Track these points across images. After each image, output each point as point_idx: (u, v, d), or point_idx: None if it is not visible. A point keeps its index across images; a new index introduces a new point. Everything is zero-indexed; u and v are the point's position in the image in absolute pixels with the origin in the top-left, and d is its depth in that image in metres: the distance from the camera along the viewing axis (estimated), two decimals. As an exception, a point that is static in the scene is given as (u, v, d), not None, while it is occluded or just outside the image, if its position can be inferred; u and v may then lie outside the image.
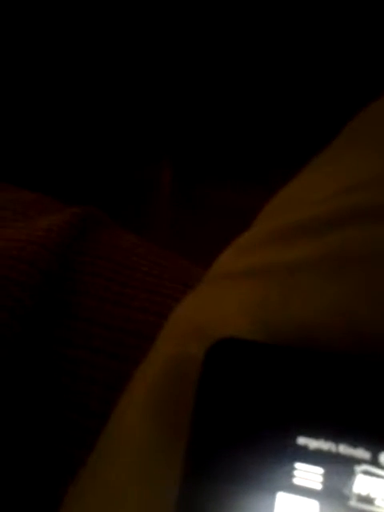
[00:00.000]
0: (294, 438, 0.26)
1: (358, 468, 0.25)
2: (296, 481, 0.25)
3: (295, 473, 0.25)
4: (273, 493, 0.25)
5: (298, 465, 0.25)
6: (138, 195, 1.04)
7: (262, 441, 0.26)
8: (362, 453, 0.25)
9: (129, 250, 0.52)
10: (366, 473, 0.25)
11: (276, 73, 1.09)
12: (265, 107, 1.10)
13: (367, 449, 0.25)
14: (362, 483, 0.25)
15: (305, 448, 0.25)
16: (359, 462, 0.25)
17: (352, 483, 0.25)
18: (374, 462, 0.25)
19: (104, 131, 1.07)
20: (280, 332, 0.30)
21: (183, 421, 0.28)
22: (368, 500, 0.25)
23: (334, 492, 0.25)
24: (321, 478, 0.25)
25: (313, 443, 0.25)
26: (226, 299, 0.33)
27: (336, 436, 0.25)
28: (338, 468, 0.25)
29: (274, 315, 0.30)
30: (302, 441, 0.26)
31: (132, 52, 1.08)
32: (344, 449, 0.25)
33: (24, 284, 0.46)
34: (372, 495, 0.25)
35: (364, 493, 0.25)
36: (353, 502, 0.25)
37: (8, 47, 1.05)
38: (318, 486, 0.25)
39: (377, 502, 0.25)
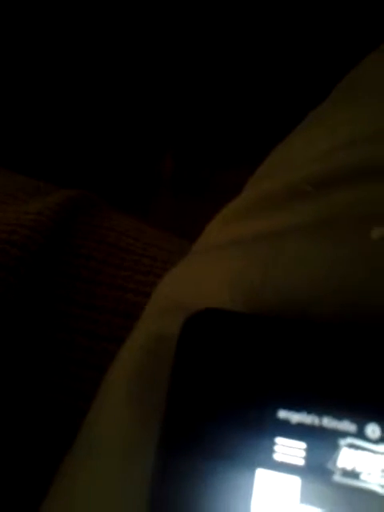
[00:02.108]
0: (275, 412, 0.24)
1: (343, 441, 0.23)
2: (277, 456, 0.24)
3: (276, 448, 0.24)
4: (252, 469, 0.24)
5: (278, 440, 0.24)
6: (142, 183, 1.03)
7: (240, 415, 0.24)
8: (347, 425, 0.24)
9: (123, 232, 0.51)
10: (351, 446, 0.23)
11: (273, 61, 1.08)
12: (263, 95, 1.09)
13: (353, 421, 0.24)
14: (347, 457, 0.23)
15: (286, 422, 0.24)
16: (344, 435, 0.24)
17: (336, 457, 0.23)
18: (360, 434, 0.23)
19: (110, 123, 1.06)
20: (262, 302, 0.28)
21: (163, 398, 0.27)
22: (353, 474, 0.23)
23: (318, 467, 0.23)
24: (303, 453, 0.24)
25: (294, 417, 0.24)
26: (207, 272, 0.32)
27: (319, 408, 0.24)
28: (322, 442, 0.24)
29: (256, 285, 0.29)
30: (282, 414, 0.24)
31: (137, 47, 1.08)
32: (328, 422, 0.24)
33: (15, 269, 0.45)
34: (357, 469, 0.23)
35: (349, 467, 0.23)
36: (337, 477, 0.23)
37: (9, 39, 1.04)
38: (300, 462, 0.23)
39: (362, 477, 0.23)
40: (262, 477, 0.23)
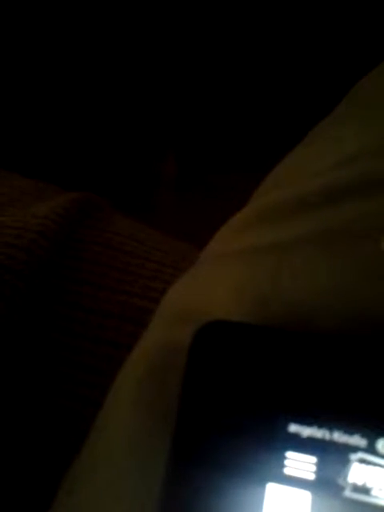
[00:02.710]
0: (286, 426, 0.24)
1: (354, 456, 0.23)
2: (287, 471, 0.24)
3: (286, 462, 0.24)
4: (263, 483, 0.24)
5: (289, 454, 0.24)
6: (144, 184, 1.03)
7: (251, 429, 0.24)
8: (357, 440, 0.24)
9: (128, 236, 0.51)
10: (362, 461, 0.23)
11: (275, 64, 1.08)
12: (265, 97, 1.09)
13: (363, 435, 0.24)
14: (358, 472, 0.23)
15: (297, 436, 0.24)
16: (355, 449, 0.24)
17: (347, 472, 0.23)
18: (371, 449, 0.23)
19: (112, 125, 1.06)
20: (270, 313, 0.28)
21: (172, 409, 0.27)
22: (364, 490, 0.23)
23: (328, 482, 0.23)
24: (314, 468, 0.24)
25: (305, 431, 0.24)
26: (216, 281, 0.32)
27: (330, 423, 0.24)
28: (332, 456, 0.24)
29: (264, 296, 0.29)
30: (293, 428, 0.24)
31: (140, 48, 1.08)
32: (338, 436, 0.24)
33: (21, 272, 0.45)
34: (368, 485, 0.23)
35: (360, 482, 0.23)
36: (348, 492, 0.23)
37: (11, 36, 1.04)
38: (311, 476, 0.23)
39: (373, 492, 0.23)
40: (273, 491, 0.23)
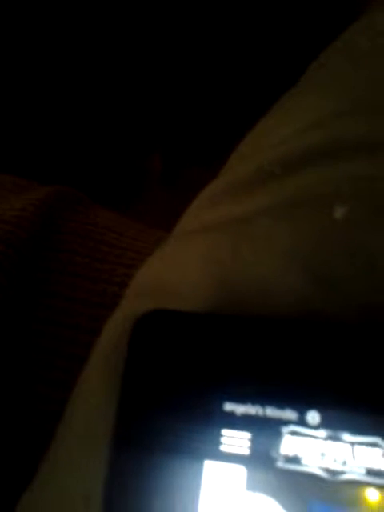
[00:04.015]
0: (221, 405, 0.25)
1: (285, 429, 0.25)
2: (223, 448, 0.25)
3: (222, 440, 0.25)
4: (200, 461, 0.25)
5: (225, 431, 0.25)
6: (129, 180, 1.03)
7: (188, 409, 0.25)
8: (289, 413, 0.25)
9: (107, 228, 0.52)
10: (293, 433, 0.25)
11: (264, 63, 1.08)
12: (250, 94, 1.09)
13: (294, 409, 0.25)
14: (289, 444, 0.24)
15: (231, 414, 0.25)
16: (286, 423, 0.25)
17: (279, 445, 0.24)
18: (301, 421, 0.25)
19: (97, 121, 1.07)
20: (234, 282, 0.29)
21: None
22: (295, 460, 0.24)
23: (262, 456, 0.24)
24: (248, 443, 0.25)
25: (239, 408, 0.25)
26: (181, 256, 0.33)
27: (263, 399, 0.25)
28: (266, 431, 0.25)
29: (226, 267, 0.30)
30: (228, 407, 0.25)
31: (127, 46, 1.08)
32: (271, 411, 0.25)
33: None
34: (299, 455, 0.24)
35: (291, 453, 0.24)
36: (280, 463, 0.24)
37: (7, 37, 1.05)
38: (246, 451, 0.25)
39: (304, 461, 0.24)
40: (210, 468, 0.25)
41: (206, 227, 0.34)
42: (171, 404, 0.26)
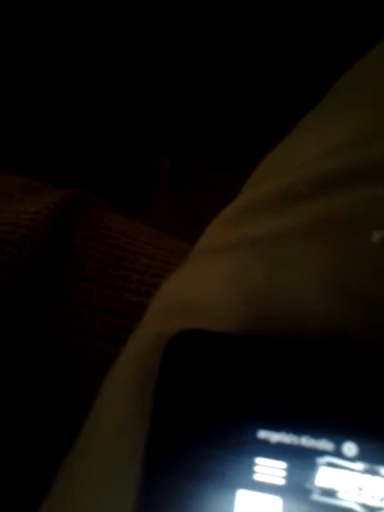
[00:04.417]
0: (255, 432, 0.25)
1: (321, 460, 0.24)
2: (257, 477, 0.24)
3: (256, 468, 0.24)
4: (233, 490, 0.24)
5: (259, 460, 0.24)
6: (139, 182, 1.03)
7: (221, 436, 0.25)
8: (324, 444, 0.24)
9: (121, 232, 0.51)
10: (329, 465, 0.24)
11: (271, 63, 1.07)
12: (262, 96, 1.08)
13: (330, 439, 0.24)
14: (325, 476, 0.24)
15: (266, 442, 0.25)
16: (322, 453, 0.24)
17: (315, 476, 0.24)
18: (337, 452, 0.24)
19: (107, 122, 1.06)
20: (264, 305, 0.29)
21: None
22: (331, 493, 0.24)
23: (297, 487, 0.24)
24: (283, 473, 0.24)
25: (274, 436, 0.25)
26: (210, 274, 0.32)
27: (298, 428, 0.24)
28: (301, 461, 0.24)
29: (258, 288, 0.29)
30: (262, 434, 0.25)
31: (135, 46, 1.07)
32: (306, 441, 0.24)
33: (13, 268, 0.46)
34: (335, 488, 0.24)
35: (327, 486, 0.24)
36: (315, 496, 0.24)
37: (9, 35, 1.04)
38: (281, 482, 0.24)
39: (340, 495, 0.24)
40: (243, 497, 0.24)
41: (231, 246, 0.34)
42: (204, 430, 0.25)
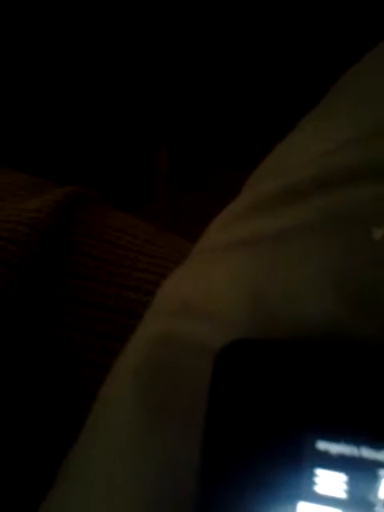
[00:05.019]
0: (314, 443, 0.24)
1: (383, 472, 0.24)
2: (318, 489, 0.24)
3: (317, 480, 0.24)
4: (294, 502, 0.24)
5: (319, 471, 0.24)
6: (138, 178, 1.02)
7: (279, 447, 0.24)
8: (385, 455, 0.24)
9: (121, 230, 0.51)
10: (392, 477, 0.24)
11: (270, 57, 1.07)
12: (261, 91, 1.08)
13: (391, 451, 0.24)
14: (388, 488, 0.23)
15: (325, 453, 0.24)
16: (383, 465, 0.24)
17: (377, 489, 0.23)
18: (400, 464, 0.24)
19: (105, 119, 1.05)
20: (268, 302, 0.29)
21: (170, 400, 0.28)
22: (395, 506, 0.23)
23: (359, 500, 0.23)
24: (344, 486, 0.24)
25: (334, 447, 0.24)
26: (212, 273, 0.32)
27: (357, 438, 0.24)
28: (362, 473, 0.24)
29: (263, 286, 0.29)
30: (322, 445, 0.24)
31: (133, 42, 1.06)
32: (367, 452, 0.24)
33: (14, 266, 0.45)
34: (399, 501, 0.23)
35: (391, 499, 0.23)
36: (379, 509, 0.23)
37: (9, 33, 1.02)
38: (342, 494, 0.24)
39: (404, 508, 0.23)
40: (304, 510, 0.24)
41: (234, 244, 0.34)
42: (261, 441, 0.24)
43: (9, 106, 1.01)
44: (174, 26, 1.05)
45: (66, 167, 0.96)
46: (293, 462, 0.24)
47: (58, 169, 0.87)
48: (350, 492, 0.24)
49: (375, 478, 0.24)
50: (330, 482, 0.24)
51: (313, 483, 0.24)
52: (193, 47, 1.05)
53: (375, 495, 0.23)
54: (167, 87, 1.06)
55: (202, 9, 1.04)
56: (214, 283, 0.32)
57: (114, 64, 1.05)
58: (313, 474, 0.24)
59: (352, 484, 0.24)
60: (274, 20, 1.05)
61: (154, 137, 1.05)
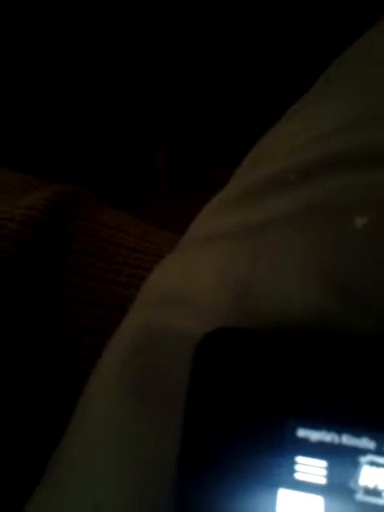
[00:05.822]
0: (294, 430, 0.24)
1: (363, 459, 0.24)
2: (298, 476, 0.24)
3: (297, 467, 0.24)
4: (274, 489, 0.24)
5: (299, 458, 0.24)
6: (135, 176, 1.02)
7: (259, 434, 0.24)
8: (366, 442, 0.24)
9: (114, 227, 0.51)
10: (372, 463, 0.24)
11: (267, 57, 1.07)
12: (258, 89, 1.08)
13: (371, 438, 0.24)
14: (368, 475, 0.23)
15: (306, 440, 0.24)
16: (364, 452, 0.24)
17: (358, 475, 0.23)
18: (380, 451, 0.24)
19: (103, 117, 1.05)
20: (250, 291, 0.29)
21: (156, 389, 0.28)
22: (375, 492, 0.23)
23: (339, 486, 0.23)
24: (324, 472, 0.24)
25: (314, 435, 0.24)
26: (197, 263, 0.32)
27: (338, 426, 0.24)
28: (342, 460, 0.24)
29: (241, 277, 0.29)
30: (302, 433, 0.24)
31: (131, 41, 1.06)
32: (347, 439, 0.24)
33: (5, 262, 0.45)
34: (380, 487, 0.23)
35: (371, 485, 0.23)
36: (359, 496, 0.23)
37: (9, 33, 1.03)
38: (322, 481, 0.24)
39: (385, 495, 0.23)
40: (285, 497, 0.23)
41: (219, 234, 0.34)
42: (241, 429, 0.24)
43: (8, 106, 1.01)
44: (174, 25, 1.05)
45: (64, 165, 0.96)
46: (273, 450, 0.24)
47: (57, 167, 0.87)
48: (330, 479, 0.23)
49: (356, 465, 0.23)
50: (311, 469, 0.24)
51: (293, 470, 0.24)
52: (193, 47, 1.06)
53: (356, 482, 0.23)
54: (165, 85, 1.06)
55: (198, 11, 1.04)
56: (199, 273, 0.32)
57: (112, 62, 1.05)
58: (293, 462, 0.24)
59: (333, 471, 0.24)
60: (274, 21, 1.05)
61: (153, 135, 1.05)
